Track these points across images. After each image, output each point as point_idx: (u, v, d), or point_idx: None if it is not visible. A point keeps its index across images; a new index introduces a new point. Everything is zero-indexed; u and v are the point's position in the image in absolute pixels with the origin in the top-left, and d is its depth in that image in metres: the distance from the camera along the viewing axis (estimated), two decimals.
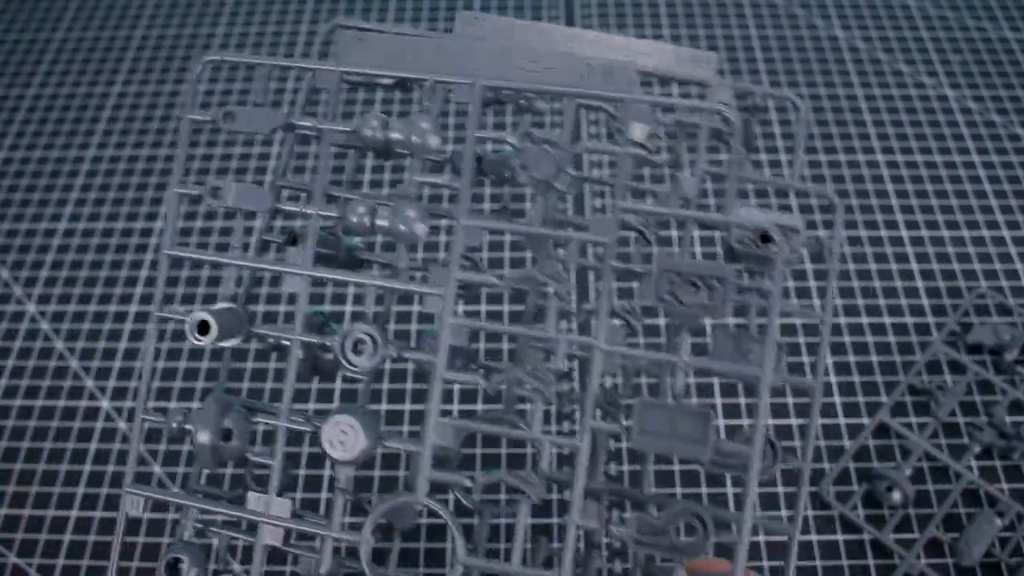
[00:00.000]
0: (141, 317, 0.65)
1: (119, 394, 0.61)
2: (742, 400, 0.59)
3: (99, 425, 0.59)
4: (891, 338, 0.62)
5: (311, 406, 0.59)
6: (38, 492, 0.56)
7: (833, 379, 0.60)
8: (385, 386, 0.60)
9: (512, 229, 0.38)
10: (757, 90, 0.42)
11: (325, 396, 0.60)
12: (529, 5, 0.88)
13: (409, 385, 0.60)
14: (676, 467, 0.56)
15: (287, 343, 0.40)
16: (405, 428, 0.58)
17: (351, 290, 0.65)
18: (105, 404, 0.60)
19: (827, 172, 0.72)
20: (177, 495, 0.41)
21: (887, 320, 0.63)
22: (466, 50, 0.40)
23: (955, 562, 0.52)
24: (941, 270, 0.66)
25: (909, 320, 0.63)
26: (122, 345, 0.63)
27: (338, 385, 0.61)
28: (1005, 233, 0.68)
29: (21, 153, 0.76)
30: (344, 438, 0.38)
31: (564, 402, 0.47)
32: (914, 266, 0.66)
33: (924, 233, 0.68)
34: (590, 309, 0.48)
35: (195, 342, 0.38)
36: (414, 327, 0.63)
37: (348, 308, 0.64)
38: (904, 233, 0.68)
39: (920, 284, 0.65)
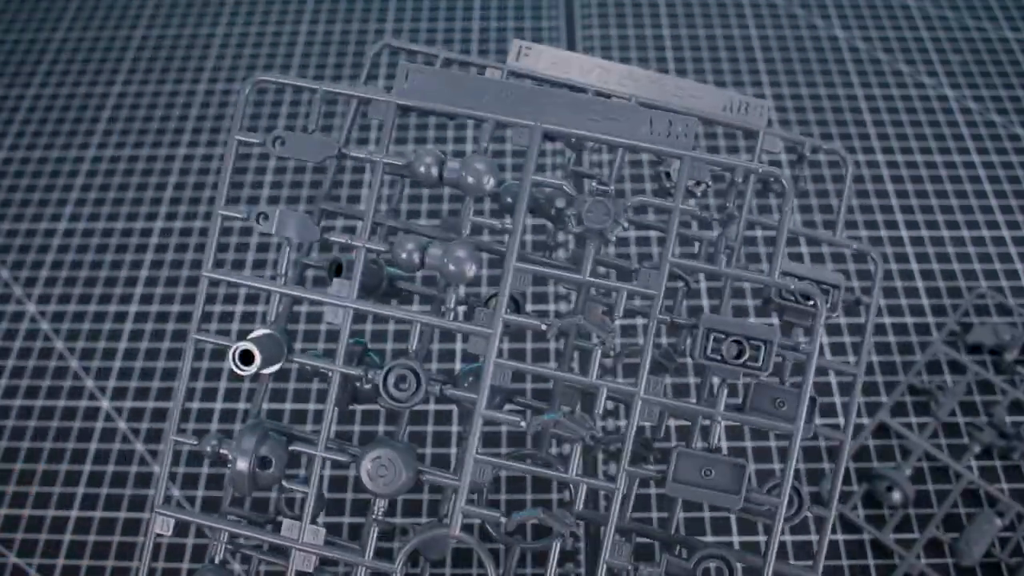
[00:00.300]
0: (141, 317, 0.65)
1: (119, 394, 0.61)
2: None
3: (99, 425, 0.59)
4: (891, 338, 0.62)
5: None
6: (38, 492, 0.56)
7: (833, 379, 0.60)
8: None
9: (561, 277, 0.38)
10: (807, 142, 0.43)
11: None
12: (529, 4, 0.88)
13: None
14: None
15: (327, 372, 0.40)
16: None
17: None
18: (105, 404, 0.60)
19: (827, 172, 0.72)
20: (209, 518, 0.41)
21: (887, 320, 0.63)
22: (528, 91, 0.39)
23: (955, 562, 0.52)
24: (941, 270, 0.66)
25: (909, 320, 0.63)
26: (122, 345, 0.63)
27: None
28: (1005, 233, 0.68)
29: (21, 153, 0.76)
30: (384, 472, 0.39)
31: (599, 443, 0.49)
32: (914, 266, 0.66)
33: (924, 233, 0.68)
34: (621, 350, 0.49)
35: (238, 372, 0.38)
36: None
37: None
38: (904, 233, 0.68)
39: (920, 284, 0.65)
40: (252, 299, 0.65)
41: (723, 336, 0.37)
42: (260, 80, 0.40)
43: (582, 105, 0.39)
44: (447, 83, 0.39)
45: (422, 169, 0.39)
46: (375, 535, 0.40)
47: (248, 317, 0.64)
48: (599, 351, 0.39)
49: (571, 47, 0.83)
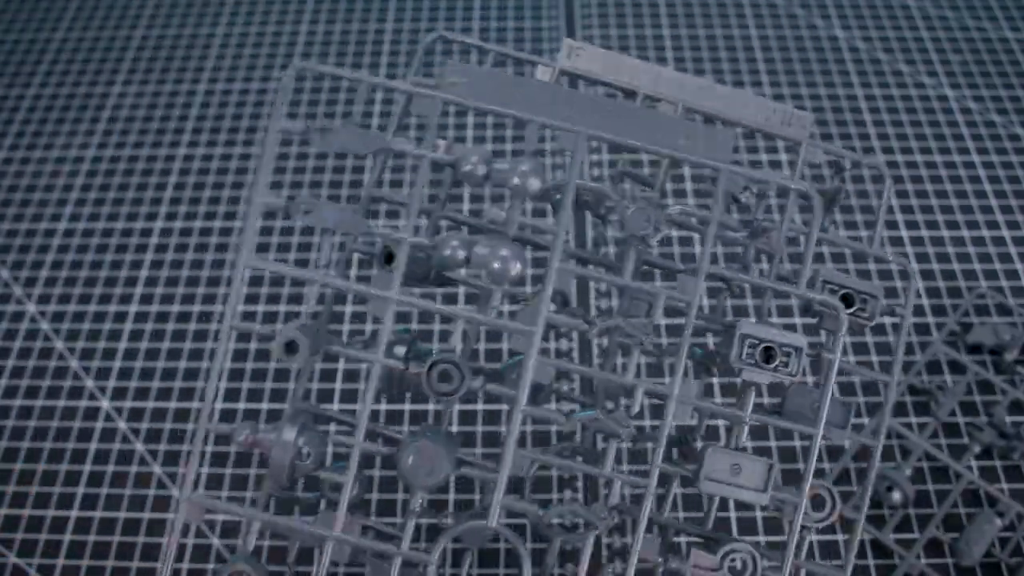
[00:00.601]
0: (141, 317, 0.65)
1: (119, 394, 0.61)
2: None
3: (99, 425, 0.59)
4: (891, 338, 0.62)
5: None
6: (38, 492, 0.56)
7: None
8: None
9: (604, 279, 0.39)
10: (848, 155, 0.44)
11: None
12: (529, 4, 0.88)
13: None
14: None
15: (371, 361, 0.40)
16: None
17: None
18: (105, 404, 0.60)
19: (826, 172, 0.72)
20: (243, 511, 0.40)
21: (887, 320, 0.63)
22: (573, 95, 0.40)
23: (955, 562, 0.52)
24: (941, 270, 0.66)
25: (909, 320, 0.63)
26: (122, 345, 0.63)
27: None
28: (1005, 233, 0.68)
29: (21, 153, 0.76)
30: (426, 466, 0.39)
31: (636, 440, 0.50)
32: (914, 266, 0.66)
33: (924, 233, 0.68)
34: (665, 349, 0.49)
35: (283, 362, 0.38)
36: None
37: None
38: (904, 233, 0.68)
39: (920, 284, 0.65)
40: (254, 292, 0.65)
41: (757, 342, 0.39)
42: (301, 67, 0.39)
43: (625, 113, 0.39)
44: (494, 83, 0.39)
45: (468, 168, 0.38)
46: (413, 527, 0.39)
47: (249, 312, 0.64)
48: (639, 352, 0.39)
49: None
